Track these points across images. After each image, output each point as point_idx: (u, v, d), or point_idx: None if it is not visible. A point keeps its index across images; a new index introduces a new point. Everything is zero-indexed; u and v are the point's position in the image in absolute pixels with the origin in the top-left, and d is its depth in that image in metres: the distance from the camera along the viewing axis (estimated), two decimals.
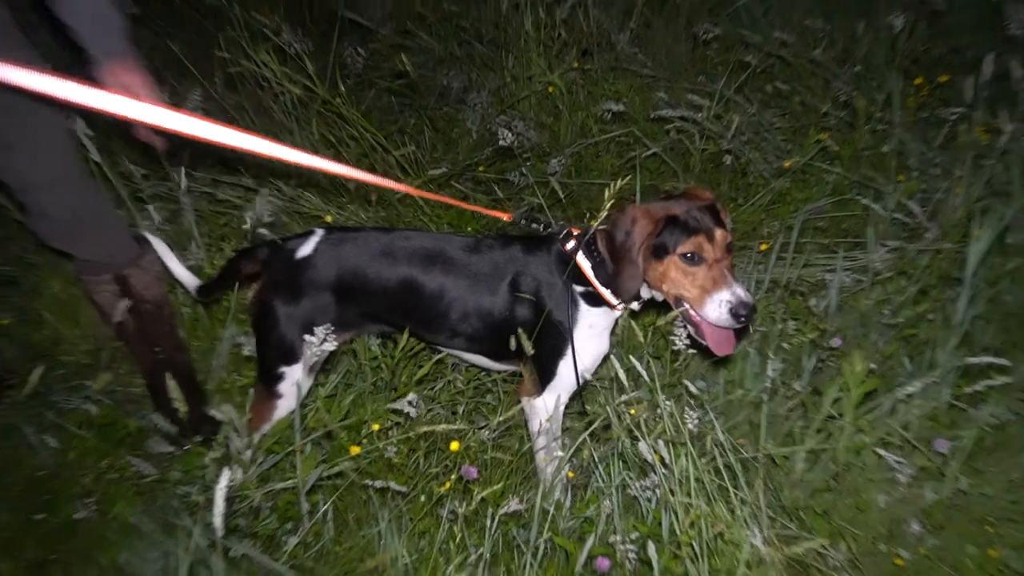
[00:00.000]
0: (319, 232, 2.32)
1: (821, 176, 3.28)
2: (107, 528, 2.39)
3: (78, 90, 1.60)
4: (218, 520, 1.65)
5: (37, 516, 2.45)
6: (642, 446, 1.95)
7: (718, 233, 2.06)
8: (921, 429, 2.33)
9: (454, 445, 2.28)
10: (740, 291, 2.03)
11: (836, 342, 2.52)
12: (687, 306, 2.10)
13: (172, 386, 2.16)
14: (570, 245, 2.23)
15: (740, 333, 2.12)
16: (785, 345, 2.65)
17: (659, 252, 2.08)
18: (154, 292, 2.61)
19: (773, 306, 2.77)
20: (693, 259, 2.05)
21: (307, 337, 1.94)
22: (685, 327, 2.13)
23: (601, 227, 2.18)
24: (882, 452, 2.23)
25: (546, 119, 3.71)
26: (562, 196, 3.22)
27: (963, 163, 2.92)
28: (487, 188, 3.48)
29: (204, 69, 3.69)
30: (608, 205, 2.04)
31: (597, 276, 2.19)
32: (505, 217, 2.36)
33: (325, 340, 1.91)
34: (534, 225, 2.32)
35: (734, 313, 2.01)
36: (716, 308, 2.03)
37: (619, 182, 2.08)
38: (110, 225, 2.40)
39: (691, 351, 2.01)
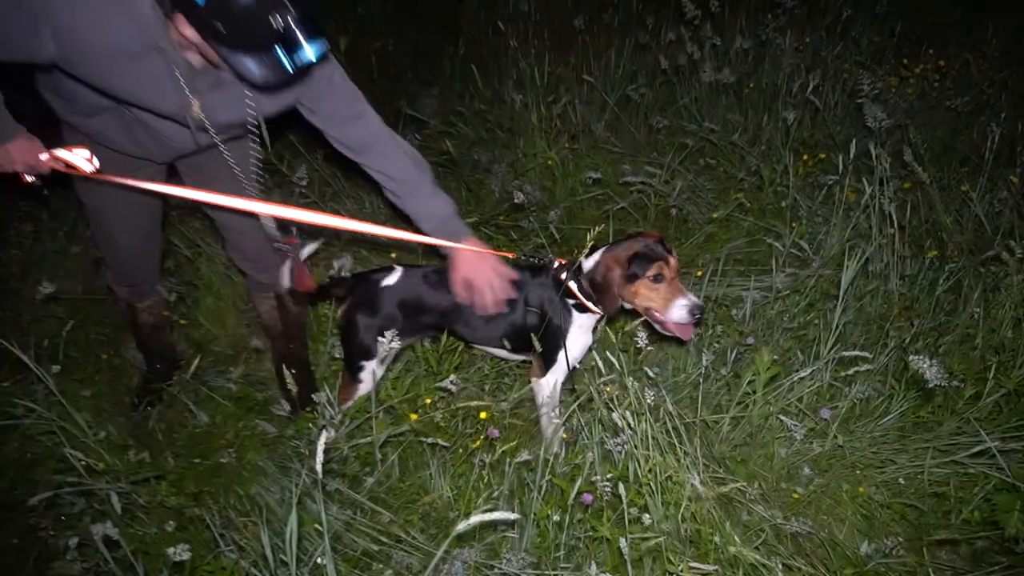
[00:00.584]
0: (399, 268, 2.32)
1: (739, 223, 3.26)
2: (243, 469, 2.39)
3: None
4: (318, 465, 1.63)
5: (195, 460, 2.45)
6: (615, 415, 1.93)
7: (671, 259, 2.09)
8: (810, 402, 2.31)
9: (483, 414, 2.27)
10: (693, 297, 2.07)
11: (750, 340, 2.50)
12: (655, 312, 2.11)
13: (289, 375, 2.19)
14: (560, 271, 2.22)
15: (695, 324, 2.14)
16: (715, 344, 2.63)
17: (631, 278, 2.08)
18: (298, 307, 2.64)
19: (706, 315, 2.75)
20: (657, 279, 2.07)
21: (380, 339, 1.93)
22: (652, 327, 2.16)
23: (585, 263, 2.18)
24: (783, 418, 2.21)
25: (546, 183, 3.70)
26: (557, 237, 3.21)
27: (837, 214, 2.90)
28: (505, 232, 3.47)
29: (310, 148, 3.71)
30: (590, 244, 2.05)
31: (581, 291, 2.18)
32: (510, 256, 2.34)
33: (392, 341, 1.90)
34: (532, 259, 2.31)
35: (691, 313, 2.06)
36: (679, 311, 2.07)
37: (597, 228, 2.09)
38: (277, 262, 2.38)
39: (648, 348, 1.99)
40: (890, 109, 3.18)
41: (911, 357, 1.96)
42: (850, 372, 2.24)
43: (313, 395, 2.19)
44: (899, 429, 2.28)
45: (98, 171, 1.95)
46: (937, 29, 4.21)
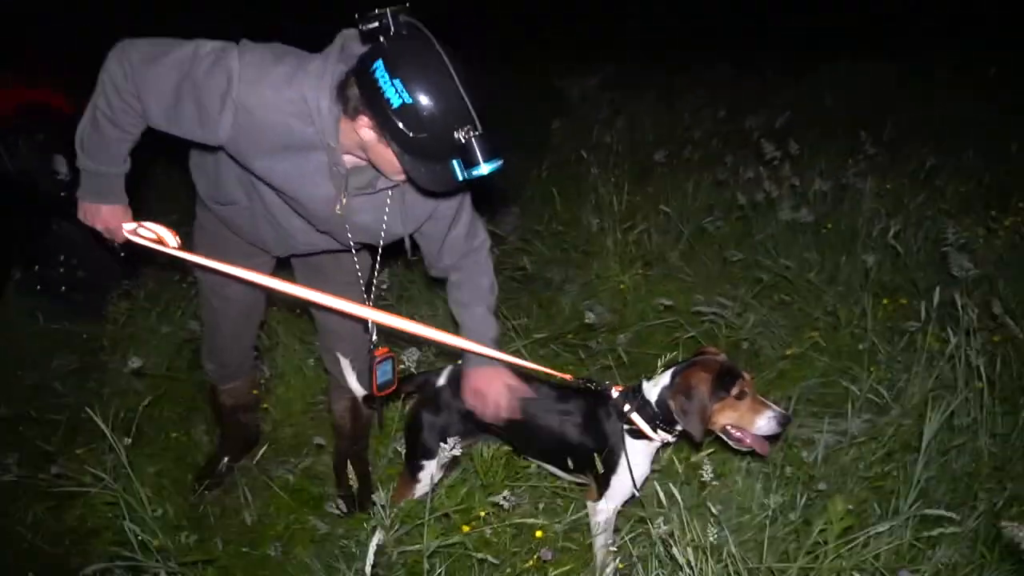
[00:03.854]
0: (449, 368, 2.34)
1: (813, 362, 3.16)
2: (288, 564, 2.36)
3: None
4: (368, 567, 1.61)
5: (244, 549, 2.44)
6: (675, 550, 1.83)
7: (747, 374, 2.06)
8: (888, 561, 2.13)
9: (538, 533, 2.20)
10: (778, 408, 2.05)
11: (822, 486, 2.36)
12: (732, 429, 2.08)
13: (351, 472, 2.18)
14: (620, 400, 2.17)
15: (774, 439, 2.10)
16: (783, 486, 2.49)
17: (717, 397, 2.04)
18: (369, 413, 2.68)
19: (775, 455, 2.63)
20: (741, 396, 2.03)
21: (442, 444, 1.92)
22: (730, 443, 2.10)
23: (647, 387, 2.15)
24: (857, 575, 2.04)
25: (617, 306, 3.72)
26: (626, 360, 3.18)
27: (919, 362, 2.78)
28: (573, 351, 3.46)
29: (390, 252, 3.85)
30: (660, 370, 2.02)
31: (643, 417, 2.14)
32: (568, 378, 2.33)
33: (454, 448, 1.89)
34: (589, 384, 2.29)
35: (779, 423, 2.03)
36: (767, 423, 2.04)
37: (669, 355, 2.07)
38: (364, 371, 2.41)
39: (713, 482, 1.91)
40: (977, 259, 3.09)
41: (1004, 523, 1.80)
42: (934, 533, 2.07)
43: (372, 495, 2.18)
44: None
45: (181, 247, 2.08)
46: None
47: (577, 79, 6.80)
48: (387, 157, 1.69)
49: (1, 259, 3.52)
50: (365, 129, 1.67)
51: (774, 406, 2.05)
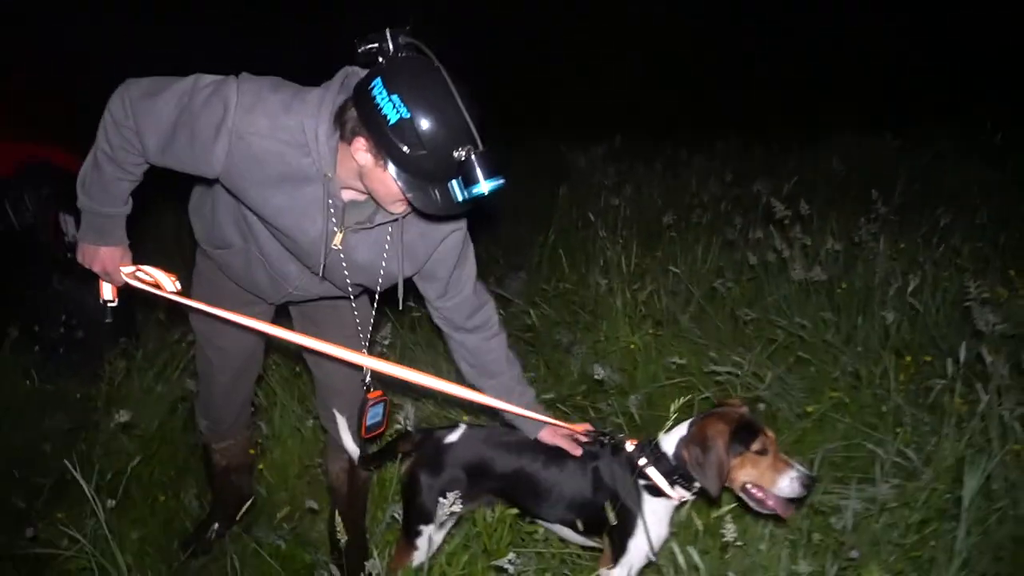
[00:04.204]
0: (463, 426, 2.24)
1: (834, 424, 3.00)
2: None
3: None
4: None
5: None
6: None
7: (769, 430, 1.94)
8: None
9: None
10: (802, 468, 1.91)
11: (854, 553, 2.18)
12: (751, 488, 1.94)
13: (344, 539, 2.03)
14: (635, 454, 2.07)
15: (798, 502, 1.97)
16: (811, 555, 2.31)
17: (734, 451, 1.92)
18: (366, 475, 2.57)
19: (800, 522, 2.46)
20: (762, 452, 1.91)
21: (440, 499, 1.79)
22: (750, 503, 1.97)
23: (664, 441, 2.03)
24: None
25: (627, 367, 3.60)
26: (638, 421, 3.04)
27: (948, 423, 2.63)
28: (583, 411, 3.34)
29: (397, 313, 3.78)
30: (673, 417, 1.91)
31: (660, 472, 2.00)
32: (579, 430, 2.21)
33: (454, 504, 1.75)
34: (602, 437, 2.17)
35: (803, 484, 1.89)
36: (789, 484, 1.90)
37: (678, 403, 1.96)
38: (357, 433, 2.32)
39: (737, 543, 1.75)
40: (1003, 314, 2.97)
41: None
42: None
43: (366, 562, 2.02)
44: None
45: (178, 292, 2.01)
46: None
47: (583, 149, 6.87)
48: (385, 182, 1.64)
49: None
50: (362, 152, 1.62)
51: (798, 465, 1.92)
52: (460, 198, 1.58)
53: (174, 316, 3.76)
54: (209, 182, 1.98)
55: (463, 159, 1.53)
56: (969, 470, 2.20)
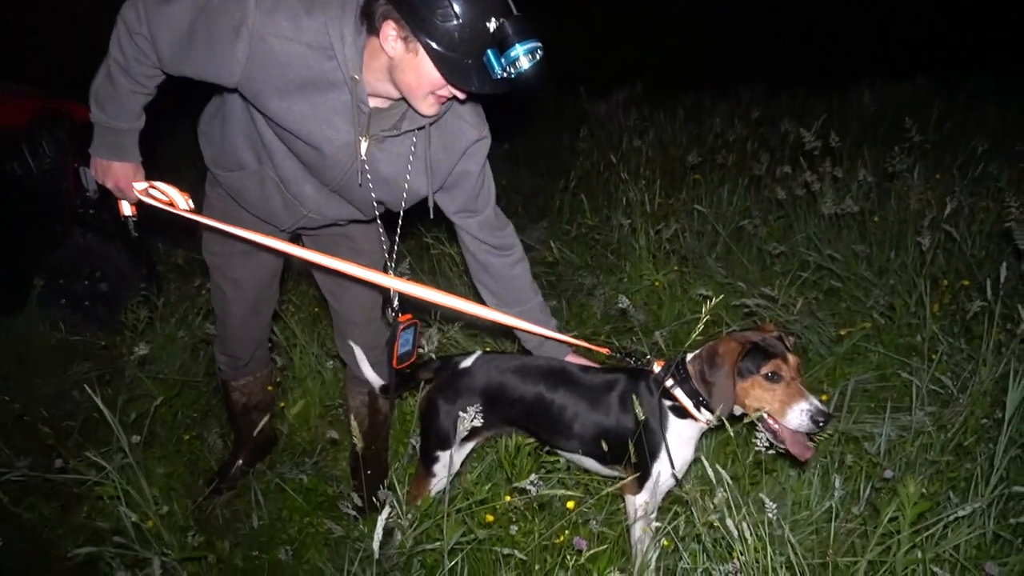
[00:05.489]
0: (478, 352, 2.20)
1: (867, 356, 2.93)
2: (300, 568, 2.19)
3: None
4: (373, 569, 1.44)
5: (254, 553, 2.27)
6: (728, 521, 1.61)
7: (791, 357, 1.81)
8: (969, 553, 1.88)
9: (570, 504, 2.01)
10: (816, 401, 1.76)
11: (888, 474, 2.11)
12: (768, 418, 1.82)
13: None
14: (660, 375, 2.00)
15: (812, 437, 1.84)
16: (844, 477, 2.25)
17: (744, 373, 1.83)
18: (386, 408, 2.55)
19: (832, 448, 2.40)
20: (773, 378, 1.80)
21: (460, 413, 1.75)
22: (765, 435, 1.82)
23: (691, 357, 1.96)
24: (936, 570, 1.79)
25: (652, 306, 3.55)
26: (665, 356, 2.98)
27: (986, 347, 2.53)
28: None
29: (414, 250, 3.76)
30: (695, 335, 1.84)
31: (684, 393, 1.94)
32: (604, 351, 2.16)
33: (475, 418, 1.71)
34: (628, 359, 2.12)
35: (813, 419, 1.74)
36: (797, 416, 1.76)
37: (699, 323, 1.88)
38: (381, 362, 2.32)
39: (764, 456, 1.70)
40: None
41: None
42: (1022, 520, 1.82)
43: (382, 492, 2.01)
44: None
45: (192, 211, 1.98)
46: None
47: (603, 96, 6.71)
48: (417, 69, 1.60)
49: (24, 267, 3.48)
50: (391, 41, 1.59)
51: (812, 397, 1.79)
52: (497, 69, 1.55)
53: (193, 263, 3.77)
54: (222, 98, 1.93)
55: (497, 26, 1.51)
56: (1013, 383, 2.11)
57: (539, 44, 1.53)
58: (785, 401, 1.80)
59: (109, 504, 2.33)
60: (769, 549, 1.64)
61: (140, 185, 1.96)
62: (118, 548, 1.96)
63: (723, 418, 1.81)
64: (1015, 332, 2.44)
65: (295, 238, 2.28)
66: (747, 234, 3.83)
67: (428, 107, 1.70)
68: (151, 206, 1.98)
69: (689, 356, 1.98)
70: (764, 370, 1.81)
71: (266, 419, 2.53)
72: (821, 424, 1.76)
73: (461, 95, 1.70)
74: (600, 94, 6.79)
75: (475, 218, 2.06)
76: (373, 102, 1.77)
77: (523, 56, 1.52)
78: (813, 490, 2.19)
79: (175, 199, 1.97)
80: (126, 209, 2.03)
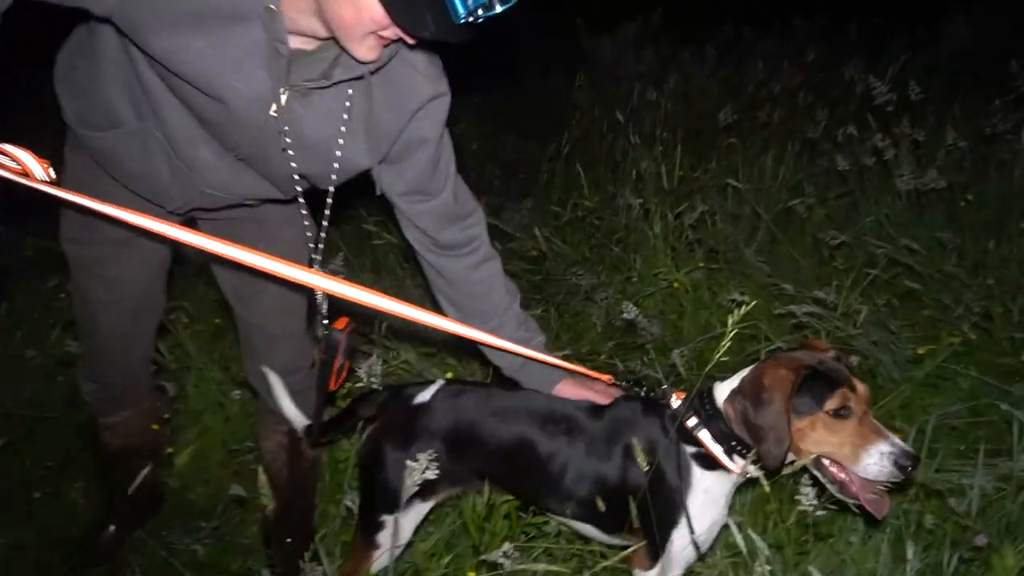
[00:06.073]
0: (440, 382, 2.22)
1: (956, 382, 2.99)
2: None
3: None
4: None
5: None
6: None
7: (859, 385, 1.85)
8: None
9: None
10: (899, 441, 1.80)
11: (981, 540, 2.16)
12: (832, 467, 1.88)
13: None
14: (680, 411, 2.03)
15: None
16: (924, 543, 2.30)
17: (801, 410, 1.85)
18: (313, 454, 2.57)
19: (908, 504, 2.45)
20: (841, 413, 1.83)
21: (408, 463, 1.77)
22: (828, 486, 1.90)
23: (722, 387, 1.99)
24: None
25: (670, 315, 3.59)
26: (685, 384, 3.02)
27: None
28: (610, 373, 3.31)
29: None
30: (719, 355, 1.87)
31: (713, 437, 1.96)
32: (606, 379, 2.20)
33: (427, 468, 1.72)
34: (639, 389, 2.15)
35: (898, 464, 1.78)
36: (876, 461, 1.80)
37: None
38: (305, 390, 2.34)
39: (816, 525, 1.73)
40: None
41: None
42: None
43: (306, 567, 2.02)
44: None
45: (53, 182, 1.96)
46: None
47: (608, 31, 6.74)
48: (354, 2, 1.59)
49: None
50: None
51: (894, 438, 1.83)
52: (462, 11, 1.55)
53: (48, 256, 3.74)
54: (90, 30, 1.91)
55: None
56: None
57: None
58: (858, 443, 1.83)
59: None
60: None
61: None
62: None
63: (762, 470, 1.85)
64: None
65: (189, 223, 2.27)
66: (797, 218, 3.88)
67: (367, 51, 1.70)
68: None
69: (718, 386, 2.01)
70: (829, 405, 1.84)
71: (148, 469, 2.53)
72: (909, 469, 1.80)
73: (410, 40, 1.70)
74: (604, 28, 6.85)
75: (427, 203, 2.07)
76: (294, 42, 1.76)
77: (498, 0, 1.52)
78: (881, 561, 2.24)
79: (30, 167, 1.94)
80: None
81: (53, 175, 1.92)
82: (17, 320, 3.41)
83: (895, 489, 2.03)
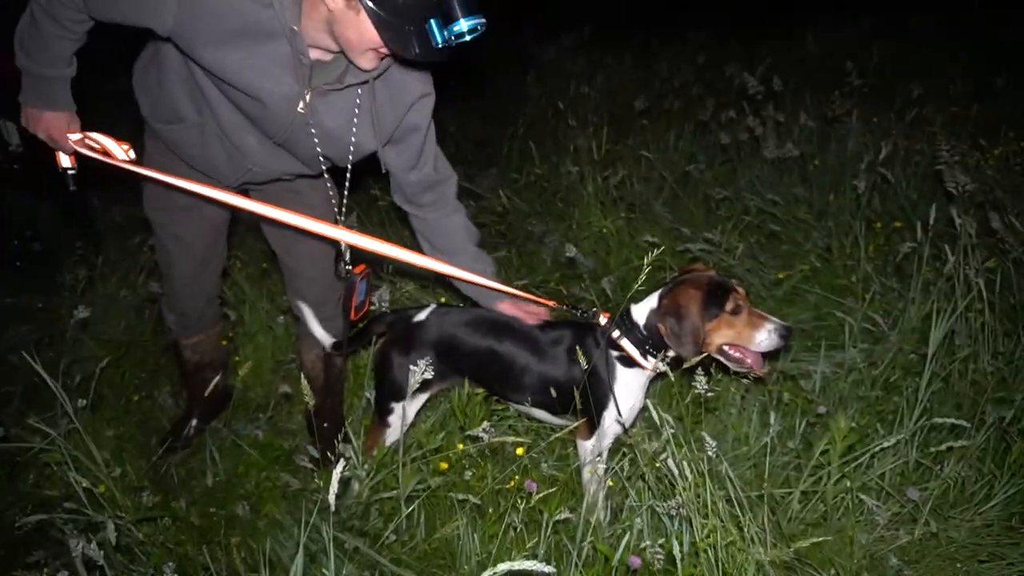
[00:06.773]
0: (433, 306, 2.21)
1: (805, 296, 3.04)
2: (258, 522, 2.21)
3: None
4: (331, 496, 1.46)
5: (211, 510, 2.28)
6: (670, 461, 1.69)
7: (740, 288, 1.92)
8: (894, 480, 2.01)
9: (519, 451, 2.07)
10: (777, 320, 1.89)
11: (822, 409, 2.23)
12: (730, 349, 1.92)
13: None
14: (607, 327, 2.04)
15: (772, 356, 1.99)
16: (782, 414, 2.36)
17: (710, 315, 1.88)
18: (341, 363, 2.55)
19: (771, 386, 2.50)
20: (736, 311, 1.88)
21: (411, 366, 1.77)
22: (725, 365, 1.96)
23: (636, 310, 2.00)
24: (863, 497, 1.92)
25: (601, 253, 3.58)
26: (612, 305, 3.04)
27: (915, 287, 2.65)
28: (557, 296, 3.32)
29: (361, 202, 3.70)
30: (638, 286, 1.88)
31: (633, 343, 1.98)
32: (551, 304, 2.19)
33: (425, 371, 1.73)
34: (575, 312, 2.15)
35: (781, 336, 1.87)
36: (767, 337, 1.87)
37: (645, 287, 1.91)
38: (333, 317, 2.33)
39: (706, 399, 1.77)
40: (971, 174, 2.95)
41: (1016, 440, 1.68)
42: (942, 448, 1.95)
43: (340, 446, 2.03)
44: (1007, 519, 1.94)
45: (132, 161, 1.90)
46: (1016, 114, 4.02)
47: (550, 41, 6.60)
48: (358, 27, 1.55)
49: None
50: None
51: (773, 318, 1.89)
52: (439, 40, 1.51)
53: (133, 220, 3.65)
54: (157, 47, 1.84)
55: None
56: (936, 324, 2.23)
57: (483, 20, 1.49)
58: (751, 328, 1.89)
59: (57, 470, 2.31)
60: (709, 484, 1.72)
61: (75, 136, 1.86)
62: (69, 514, 1.94)
63: (667, 364, 1.88)
64: (942, 271, 2.57)
65: (242, 193, 2.22)
66: (693, 179, 3.88)
67: (367, 62, 1.65)
68: (88, 157, 1.90)
69: (634, 307, 2.02)
70: (728, 307, 1.88)
71: (219, 377, 2.52)
72: (787, 338, 1.87)
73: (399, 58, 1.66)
74: (548, 38, 6.69)
75: (413, 174, 2.03)
76: (314, 54, 1.71)
77: (467, 31, 1.48)
78: (752, 426, 2.29)
79: (112, 149, 1.88)
80: (64, 161, 1.93)
81: (133, 155, 1.86)
82: (112, 269, 3.32)
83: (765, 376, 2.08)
